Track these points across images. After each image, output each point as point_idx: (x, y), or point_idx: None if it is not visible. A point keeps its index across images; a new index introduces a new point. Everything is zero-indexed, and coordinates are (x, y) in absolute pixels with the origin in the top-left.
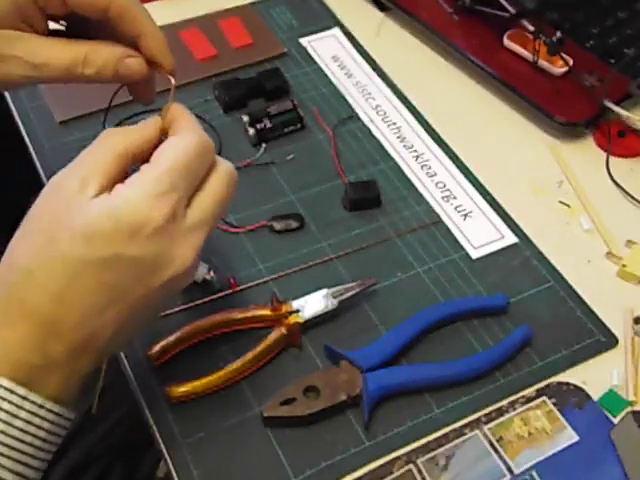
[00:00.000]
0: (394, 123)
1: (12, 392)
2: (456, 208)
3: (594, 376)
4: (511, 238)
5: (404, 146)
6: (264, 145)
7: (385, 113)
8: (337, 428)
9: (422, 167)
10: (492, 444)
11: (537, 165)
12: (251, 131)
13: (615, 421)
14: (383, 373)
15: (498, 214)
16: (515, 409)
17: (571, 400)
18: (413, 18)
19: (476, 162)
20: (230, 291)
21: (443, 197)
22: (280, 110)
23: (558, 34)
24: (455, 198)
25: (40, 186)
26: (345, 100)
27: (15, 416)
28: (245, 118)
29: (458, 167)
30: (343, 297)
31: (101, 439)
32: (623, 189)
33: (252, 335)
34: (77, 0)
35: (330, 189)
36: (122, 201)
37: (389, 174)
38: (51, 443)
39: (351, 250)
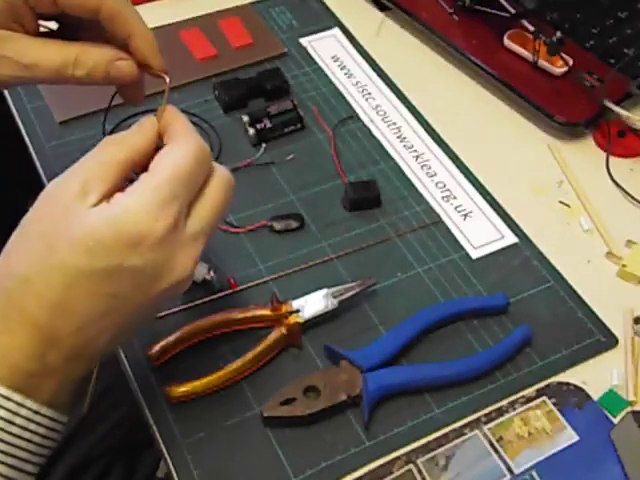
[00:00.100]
0: (394, 123)
1: (8, 399)
2: (456, 208)
3: (594, 376)
4: (511, 238)
5: (404, 146)
6: (264, 145)
7: (385, 113)
8: (337, 428)
9: (422, 167)
10: (492, 444)
11: (537, 165)
12: (251, 131)
13: (615, 421)
14: (383, 373)
15: (498, 214)
16: (515, 409)
17: (571, 400)
18: (413, 18)
19: (476, 162)
20: (230, 291)
21: (443, 197)
22: (280, 110)
23: (558, 34)
24: (455, 198)
25: (40, 186)
26: (345, 100)
27: (11, 422)
28: (245, 118)
29: (458, 167)
30: (343, 297)
31: (101, 439)
32: (623, 189)
33: (252, 335)
34: (67, 0)
35: (330, 189)
36: (123, 211)
37: (389, 174)
38: (46, 447)
39: (351, 250)
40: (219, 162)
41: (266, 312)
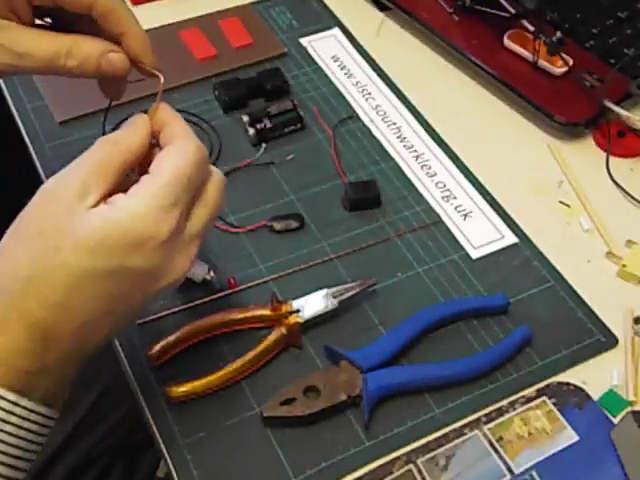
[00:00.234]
0: (394, 123)
1: (3, 398)
2: (456, 208)
3: (594, 376)
4: (511, 238)
5: (404, 146)
6: (264, 145)
7: (385, 113)
8: (337, 428)
9: (422, 167)
10: (492, 444)
11: (537, 165)
12: (251, 131)
13: (615, 421)
14: (383, 373)
15: (498, 214)
16: (515, 409)
17: (571, 400)
18: (413, 18)
19: (476, 162)
20: (230, 291)
21: (443, 197)
22: (280, 110)
23: (558, 34)
24: (455, 198)
25: (40, 186)
26: (345, 100)
27: (6, 421)
28: (245, 118)
29: (458, 167)
30: (343, 297)
31: (101, 439)
32: (623, 189)
33: (252, 335)
34: None
35: (330, 189)
36: (127, 213)
37: (389, 174)
38: (38, 444)
39: (351, 250)
40: (219, 162)
41: (266, 312)
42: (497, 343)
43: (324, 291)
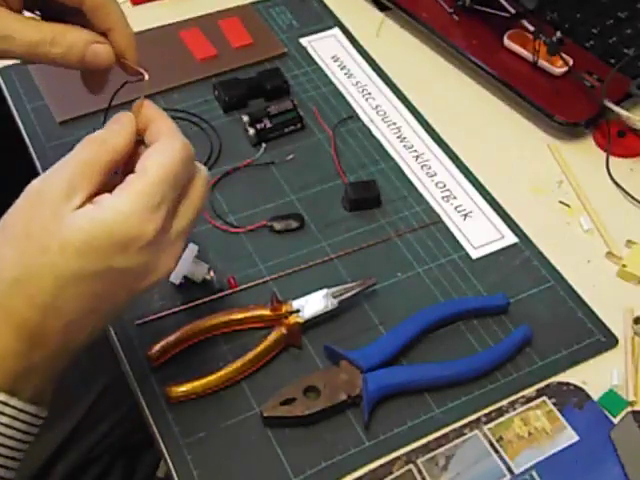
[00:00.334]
0: (394, 123)
1: None
2: (456, 208)
3: (594, 376)
4: (511, 238)
5: (404, 146)
6: (264, 145)
7: (385, 113)
8: (337, 428)
9: (422, 167)
10: (492, 444)
11: (537, 165)
12: (251, 131)
13: (615, 421)
14: (383, 373)
15: (498, 214)
16: (515, 409)
17: (571, 400)
18: (413, 18)
19: (476, 162)
20: (230, 291)
21: (443, 197)
22: (280, 110)
23: (558, 34)
24: (455, 198)
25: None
26: (345, 100)
27: None
28: (245, 118)
29: (458, 167)
30: (343, 297)
31: (101, 439)
32: (623, 189)
33: (252, 335)
34: None
35: (330, 189)
36: (114, 213)
37: (389, 174)
38: (27, 443)
39: (351, 250)
40: (219, 162)
41: (266, 312)
42: (497, 343)
43: (324, 291)
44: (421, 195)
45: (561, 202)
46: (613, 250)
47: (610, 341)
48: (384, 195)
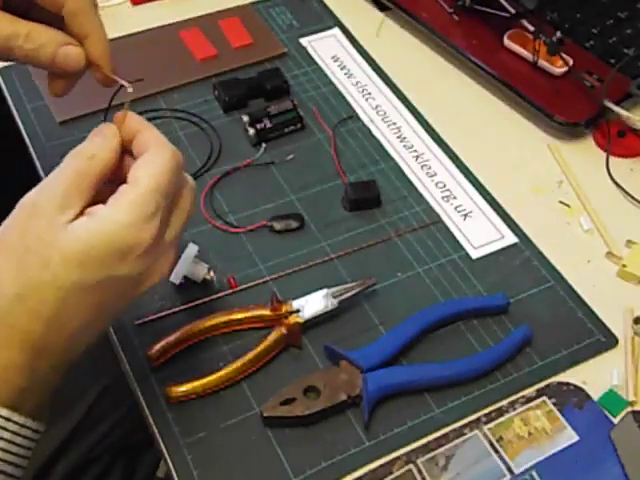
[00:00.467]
0: (394, 123)
1: None
2: (456, 208)
3: (594, 376)
4: (511, 238)
5: (404, 146)
6: (264, 145)
7: (385, 113)
8: (337, 428)
9: (422, 167)
10: (492, 444)
11: (537, 165)
12: (251, 131)
13: (615, 421)
14: (383, 373)
15: (498, 214)
16: (515, 409)
17: (571, 400)
18: (413, 18)
19: (476, 162)
20: (230, 291)
21: (443, 197)
22: (280, 110)
23: (558, 34)
24: (455, 198)
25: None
26: (345, 100)
27: None
28: (245, 118)
29: (458, 167)
30: (343, 297)
31: (101, 439)
32: (623, 189)
33: (252, 335)
34: None
35: (330, 189)
36: (112, 224)
37: (389, 174)
38: (26, 458)
39: (351, 250)
40: (219, 162)
41: (266, 312)
42: (497, 343)
43: (324, 291)
44: (421, 195)
45: (561, 202)
46: (613, 250)
47: (610, 341)
48: (384, 195)
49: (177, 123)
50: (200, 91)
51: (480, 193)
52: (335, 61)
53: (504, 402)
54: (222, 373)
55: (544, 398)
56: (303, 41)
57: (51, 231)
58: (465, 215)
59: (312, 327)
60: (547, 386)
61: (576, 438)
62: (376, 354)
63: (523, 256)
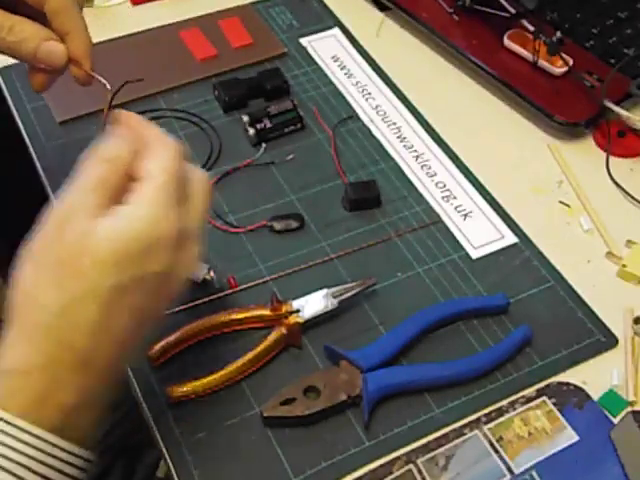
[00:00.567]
0: (394, 123)
1: (45, 441)
2: (456, 208)
3: (594, 376)
4: (511, 238)
5: (404, 146)
6: (264, 145)
7: (385, 113)
8: (337, 428)
9: (422, 167)
10: (492, 444)
11: (537, 165)
12: (251, 131)
13: (615, 421)
14: (383, 373)
15: (498, 214)
16: (515, 409)
17: (571, 400)
18: (413, 18)
19: (476, 162)
20: (230, 291)
21: (443, 197)
22: (280, 110)
23: (558, 34)
24: (455, 198)
25: (40, 186)
26: (345, 100)
27: (43, 463)
28: (245, 118)
29: (458, 167)
30: (343, 297)
31: (101, 439)
32: (623, 189)
33: (252, 335)
34: None
35: (330, 189)
36: (136, 221)
37: (389, 174)
38: None
39: (351, 250)
40: (219, 162)
41: (266, 312)
42: (497, 343)
43: (324, 291)
44: (421, 195)
45: (561, 202)
46: (613, 250)
47: (610, 341)
48: (384, 195)
49: (177, 123)
50: (200, 91)
51: (480, 193)
52: (335, 61)
53: (504, 402)
54: (222, 373)
55: (544, 398)
56: (303, 41)
57: (82, 241)
58: (465, 215)
59: (312, 327)
60: (547, 386)
61: (576, 438)
62: (376, 354)
63: (523, 256)
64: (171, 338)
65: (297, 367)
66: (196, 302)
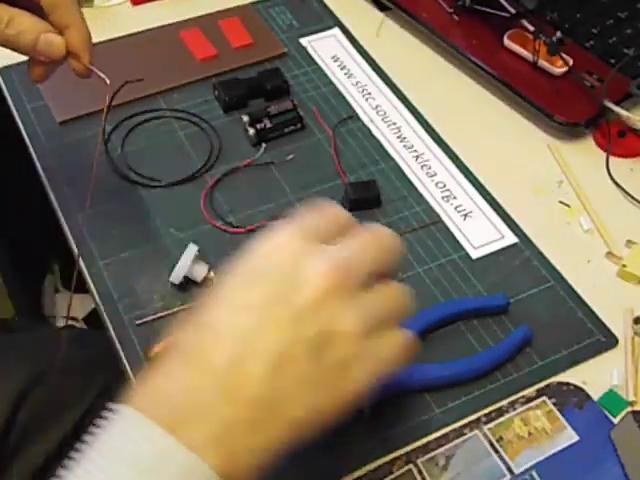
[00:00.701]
0: (394, 123)
1: None
2: (456, 208)
3: (594, 376)
4: (511, 238)
5: (404, 146)
6: (264, 145)
7: (385, 113)
8: (337, 428)
9: (422, 167)
10: (492, 444)
11: (537, 165)
12: (251, 131)
13: (615, 421)
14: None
15: (498, 214)
16: (515, 409)
17: (571, 400)
18: (413, 18)
19: (476, 162)
20: None
21: (443, 197)
22: (280, 110)
23: (558, 34)
24: (455, 198)
25: (40, 186)
26: (345, 100)
27: None
28: (245, 118)
29: (458, 167)
30: None
31: None
32: (623, 189)
33: None
34: None
35: (330, 189)
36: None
37: (389, 174)
38: None
39: None
40: (219, 162)
41: None
42: (497, 343)
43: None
44: (421, 195)
45: (561, 202)
46: (613, 250)
47: (610, 341)
48: (384, 195)
49: (177, 123)
50: (200, 91)
51: (480, 193)
52: (335, 61)
53: (504, 402)
54: None
55: (544, 398)
56: (303, 41)
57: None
58: (465, 215)
59: None
60: (547, 386)
61: (576, 438)
62: None
63: (523, 256)
64: (171, 338)
65: None
66: (196, 302)
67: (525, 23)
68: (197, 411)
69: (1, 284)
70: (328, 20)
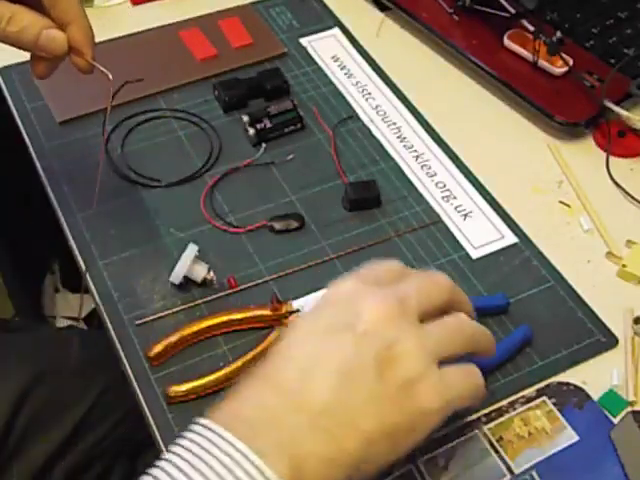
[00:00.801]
0: (394, 123)
1: None
2: (456, 208)
3: (594, 376)
4: (511, 238)
5: (404, 146)
6: (264, 145)
7: (385, 113)
8: None
9: (422, 167)
10: (492, 444)
11: (537, 165)
12: (251, 131)
13: (615, 421)
14: None
15: (498, 214)
16: (515, 409)
17: (571, 400)
18: (413, 18)
19: (476, 162)
20: (230, 291)
21: (443, 197)
22: (280, 110)
23: (558, 34)
24: (455, 198)
25: (40, 186)
26: (345, 100)
27: None
28: (245, 118)
29: (458, 167)
30: None
31: (101, 439)
32: (623, 189)
33: (252, 335)
34: None
35: (330, 189)
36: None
37: (389, 174)
38: None
39: (351, 250)
40: (219, 162)
41: (266, 312)
42: (497, 343)
43: (324, 291)
44: (421, 195)
45: (561, 202)
46: (613, 250)
47: (610, 341)
48: (384, 195)
49: (177, 123)
50: (200, 91)
51: (480, 193)
52: (335, 61)
53: (504, 402)
54: (222, 373)
55: (544, 398)
56: (303, 41)
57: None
58: (465, 215)
59: None
60: (547, 386)
61: (576, 438)
62: None
63: (523, 256)
64: (171, 338)
65: None
66: (196, 302)
67: (525, 23)
68: (268, 422)
69: (1, 284)
70: (328, 20)
